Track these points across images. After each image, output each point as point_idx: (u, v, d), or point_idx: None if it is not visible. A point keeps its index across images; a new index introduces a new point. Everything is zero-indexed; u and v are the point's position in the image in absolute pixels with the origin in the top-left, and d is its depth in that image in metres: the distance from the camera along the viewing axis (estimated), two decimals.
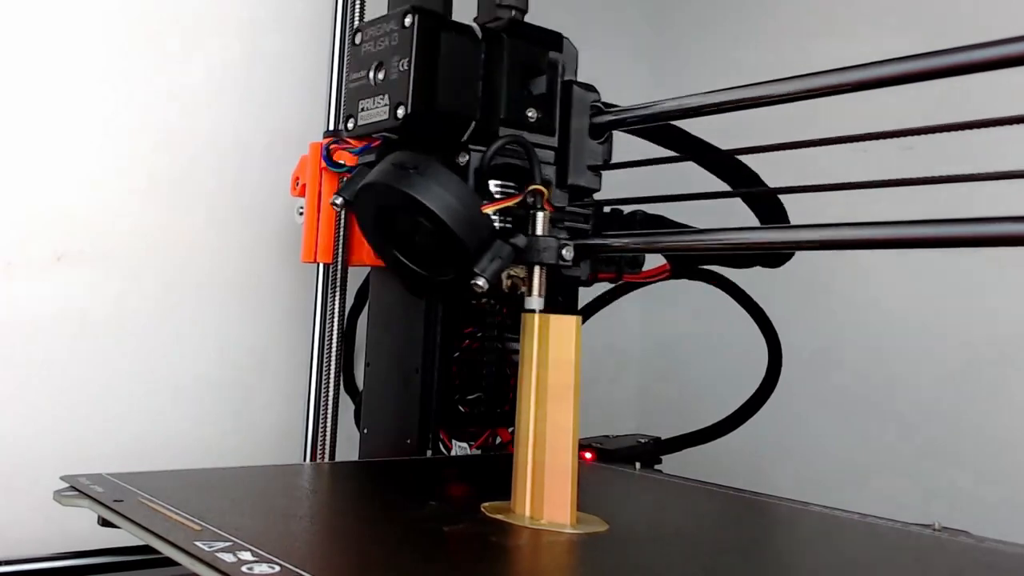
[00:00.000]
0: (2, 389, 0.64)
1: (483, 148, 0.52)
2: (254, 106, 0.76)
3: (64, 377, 0.67)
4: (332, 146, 0.63)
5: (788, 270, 0.84)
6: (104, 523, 0.41)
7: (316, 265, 0.69)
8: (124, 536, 0.41)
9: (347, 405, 0.73)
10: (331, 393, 0.68)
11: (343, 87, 0.70)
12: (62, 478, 0.45)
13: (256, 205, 0.76)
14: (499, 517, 0.45)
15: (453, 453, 0.65)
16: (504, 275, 0.51)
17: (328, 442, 0.67)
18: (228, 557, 0.34)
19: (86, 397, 0.68)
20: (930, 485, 0.75)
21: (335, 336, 0.68)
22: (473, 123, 0.53)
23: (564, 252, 0.51)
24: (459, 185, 0.50)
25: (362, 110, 0.54)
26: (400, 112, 0.51)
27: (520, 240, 0.50)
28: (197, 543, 0.36)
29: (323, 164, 0.67)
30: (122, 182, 0.70)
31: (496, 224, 0.52)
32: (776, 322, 0.68)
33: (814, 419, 0.83)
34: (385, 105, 0.52)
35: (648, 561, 0.40)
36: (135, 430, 0.70)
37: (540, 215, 0.50)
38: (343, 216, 0.68)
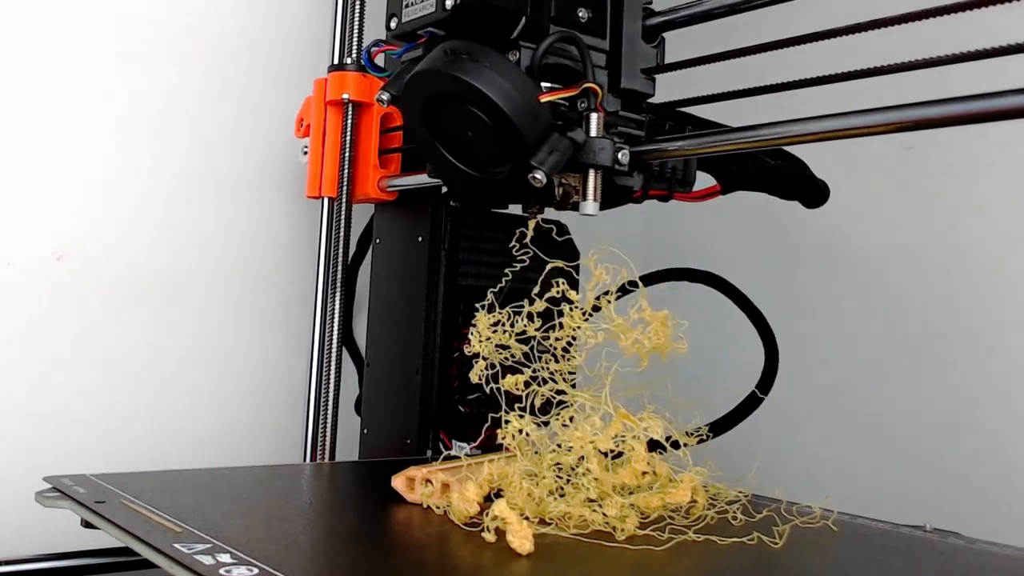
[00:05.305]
0: (2, 389, 0.64)
1: (533, 46, 0.50)
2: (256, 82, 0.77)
3: (63, 377, 0.67)
4: (373, 49, 0.61)
5: (784, 270, 0.83)
6: (87, 525, 0.41)
7: (318, 258, 0.69)
8: (110, 537, 0.41)
9: (347, 406, 0.72)
10: (331, 393, 0.67)
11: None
12: (45, 479, 0.44)
13: (259, 197, 0.77)
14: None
15: (453, 453, 0.65)
16: (556, 182, 0.49)
17: (328, 442, 0.67)
18: (207, 559, 0.34)
19: (86, 397, 0.68)
20: (922, 486, 0.74)
21: (335, 339, 0.68)
22: (523, 19, 0.50)
23: (620, 155, 0.49)
24: (515, 71, 0.47)
25: (406, 6, 0.52)
26: (449, 3, 0.49)
27: (579, 135, 0.47)
28: (176, 545, 0.35)
29: (329, 98, 0.67)
30: (122, 179, 0.70)
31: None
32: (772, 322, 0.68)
33: (805, 420, 0.83)
34: None
35: (646, 558, 0.40)
36: (135, 430, 0.70)
37: (594, 116, 0.48)
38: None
